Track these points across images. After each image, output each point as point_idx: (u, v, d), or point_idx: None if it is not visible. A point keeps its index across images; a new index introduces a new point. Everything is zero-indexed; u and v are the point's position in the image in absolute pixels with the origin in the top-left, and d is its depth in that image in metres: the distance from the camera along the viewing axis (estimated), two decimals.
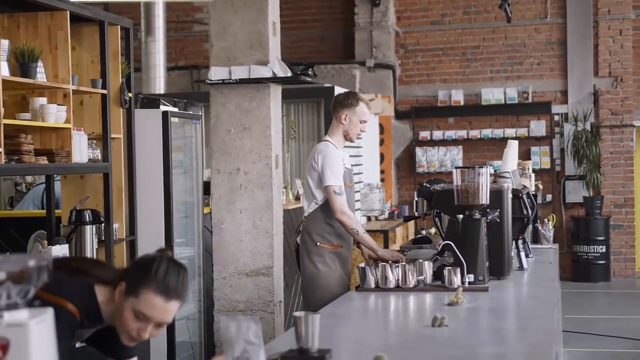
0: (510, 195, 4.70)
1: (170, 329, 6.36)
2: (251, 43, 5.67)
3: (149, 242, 6.22)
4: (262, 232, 5.70)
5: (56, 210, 5.77)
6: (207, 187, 6.50)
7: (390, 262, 4.77)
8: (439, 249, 4.43)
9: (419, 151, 12.90)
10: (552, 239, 6.47)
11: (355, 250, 5.51)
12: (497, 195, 4.55)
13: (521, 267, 4.97)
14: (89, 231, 5.45)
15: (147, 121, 6.24)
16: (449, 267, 4.24)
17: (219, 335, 5.65)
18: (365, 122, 5.33)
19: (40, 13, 5.16)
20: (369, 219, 10.29)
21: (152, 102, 6.64)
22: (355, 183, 10.09)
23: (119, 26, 5.88)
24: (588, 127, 12.38)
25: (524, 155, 12.32)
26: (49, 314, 1.78)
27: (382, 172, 12.27)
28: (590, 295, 11.52)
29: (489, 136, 12.68)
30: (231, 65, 5.67)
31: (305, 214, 5.35)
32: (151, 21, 11.16)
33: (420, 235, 6.47)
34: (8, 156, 4.69)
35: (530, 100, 12.68)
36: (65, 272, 2.72)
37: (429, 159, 12.89)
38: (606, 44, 12.58)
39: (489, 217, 4.49)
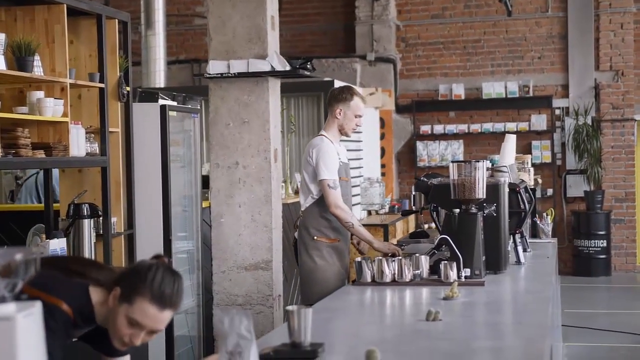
0: (506, 190, 4.70)
1: (169, 323, 6.37)
2: (250, 37, 5.67)
3: (147, 236, 6.23)
4: (261, 226, 5.70)
5: (54, 204, 5.77)
6: (206, 181, 6.50)
7: (386, 255, 4.79)
8: (436, 243, 4.43)
9: (419, 145, 12.89)
10: (550, 233, 6.46)
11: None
12: (493, 189, 4.55)
13: (518, 262, 4.97)
14: (87, 225, 5.45)
15: (145, 115, 6.24)
16: (445, 262, 4.24)
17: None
18: (360, 116, 5.32)
19: (37, 6, 5.15)
20: (369, 213, 10.29)
21: (150, 95, 6.64)
22: (356, 177, 10.12)
23: (116, 20, 5.87)
24: (589, 121, 12.36)
25: (525, 149, 12.32)
26: (36, 307, 1.78)
27: (382, 166, 12.26)
28: (591, 290, 11.52)
29: (490, 130, 12.67)
30: (230, 59, 5.67)
31: (302, 209, 5.37)
32: (151, 15, 11.13)
33: (417, 230, 6.47)
34: (5, 150, 4.69)
35: (531, 94, 12.67)
36: (62, 272, 2.73)
37: (429, 153, 12.88)
38: (607, 38, 12.56)
39: (486, 212, 4.48)
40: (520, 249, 5.03)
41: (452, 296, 3.79)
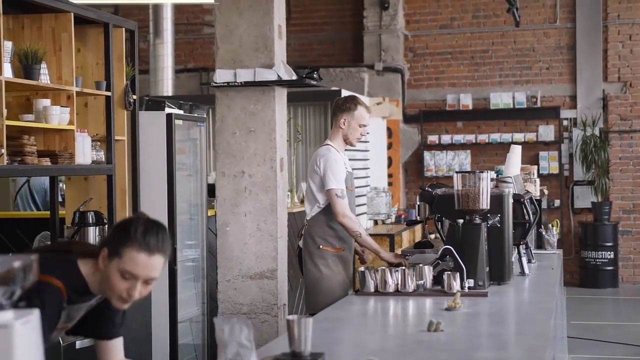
0: (511, 200, 4.69)
1: (173, 331, 6.38)
2: (257, 46, 5.68)
3: None
4: (267, 235, 5.70)
5: (60, 212, 5.79)
6: (212, 190, 6.52)
7: (392, 265, 4.80)
8: (439, 254, 4.43)
9: (427, 155, 12.88)
10: (556, 244, 6.45)
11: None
12: (497, 200, 4.54)
13: (523, 273, 4.96)
14: (92, 233, 5.47)
15: (152, 123, 6.26)
16: (449, 272, 4.23)
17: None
18: (364, 126, 5.34)
19: (44, 15, 5.18)
20: (375, 222, 10.29)
21: (157, 104, 6.66)
22: (362, 187, 10.12)
23: (123, 28, 5.89)
24: (597, 132, 12.34)
25: (532, 160, 12.30)
26: (34, 315, 1.79)
27: (390, 176, 12.26)
28: (598, 302, 11.47)
29: (497, 141, 12.66)
30: (237, 68, 5.68)
31: (308, 217, 5.38)
32: (160, 23, 11.18)
33: (422, 240, 6.46)
34: (11, 157, 4.71)
35: (539, 104, 12.66)
36: (49, 254, 2.80)
37: (437, 163, 12.87)
38: (615, 49, 12.55)
39: (490, 222, 4.48)
40: (524, 259, 5.02)
41: (455, 307, 3.79)
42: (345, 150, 5.50)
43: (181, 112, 6.98)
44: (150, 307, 5.89)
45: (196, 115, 7.23)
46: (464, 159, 12.79)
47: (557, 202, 12.51)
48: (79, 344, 4.68)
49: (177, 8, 12.33)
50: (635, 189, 12.52)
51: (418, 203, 5.18)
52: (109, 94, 5.61)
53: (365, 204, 10.02)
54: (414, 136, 13.01)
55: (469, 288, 4.25)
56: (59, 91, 5.17)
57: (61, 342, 4.57)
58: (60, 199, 5.95)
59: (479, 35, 12.98)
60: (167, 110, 6.57)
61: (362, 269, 4.37)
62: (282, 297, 5.79)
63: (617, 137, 12.53)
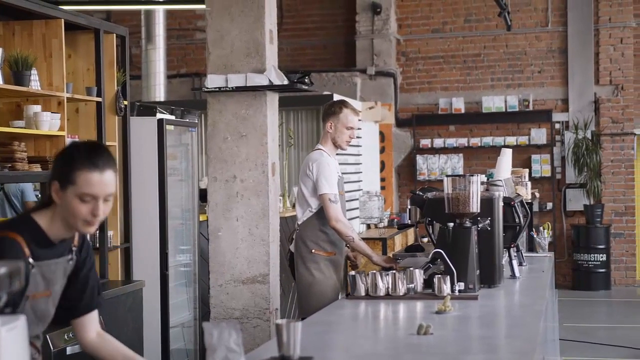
0: (501, 204, 4.70)
1: (165, 336, 6.38)
2: (248, 51, 5.68)
3: (144, 249, 6.24)
4: (259, 240, 5.70)
5: None
6: (204, 195, 6.52)
7: (384, 269, 4.82)
8: (430, 257, 4.44)
9: (419, 159, 12.90)
10: (547, 247, 6.46)
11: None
12: (488, 203, 4.55)
13: (513, 276, 4.97)
14: None
15: (143, 129, 6.27)
16: (439, 275, 4.24)
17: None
18: (351, 128, 5.38)
19: (35, 21, 5.19)
20: (368, 226, 10.30)
21: (148, 109, 6.65)
22: (355, 191, 10.13)
23: (114, 34, 5.90)
24: (589, 135, 12.37)
25: (525, 163, 12.33)
26: (20, 320, 1.80)
27: (382, 179, 12.27)
28: (591, 304, 11.50)
29: (489, 144, 12.69)
30: (228, 73, 5.68)
31: (299, 222, 5.39)
32: (152, 29, 11.18)
33: (414, 243, 6.47)
34: (1, 163, 4.71)
35: (531, 108, 12.69)
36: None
37: (429, 166, 12.89)
38: (607, 52, 12.59)
39: (480, 225, 4.49)
40: (515, 262, 5.03)
41: (445, 310, 3.80)
42: (337, 154, 5.53)
43: (173, 117, 6.98)
44: (142, 312, 5.89)
45: (187, 120, 7.24)
46: (456, 163, 12.82)
47: (549, 205, 12.54)
48: (69, 349, 4.67)
49: (170, 14, 12.34)
50: (627, 192, 12.56)
51: (409, 207, 5.20)
52: (99, 99, 5.61)
53: (357, 208, 10.03)
54: (407, 140, 13.03)
55: (460, 291, 4.26)
56: (50, 97, 5.18)
57: (51, 348, 4.57)
58: None
59: (471, 39, 13.01)
60: (159, 115, 6.57)
61: (352, 272, 4.38)
62: (275, 301, 5.80)
63: (609, 139, 12.57)
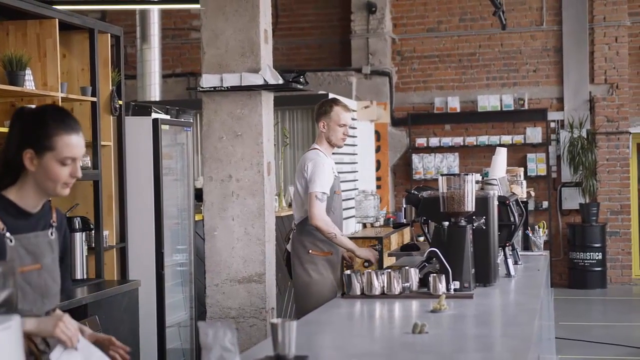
0: (496, 203, 4.71)
1: (161, 335, 6.38)
2: (243, 50, 5.68)
3: (140, 249, 6.24)
4: (254, 239, 5.70)
5: None
6: (200, 194, 6.52)
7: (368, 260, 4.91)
8: (425, 256, 4.44)
9: (415, 158, 12.91)
10: (542, 245, 6.47)
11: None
12: (483, 202, 4.56)
13: (508, 274, 4.97)
14: (79, 238, 5.46)
15: (138, 128, 6.27)
16: (434, 274, 4.25)
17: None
18: (344, 125, 5.39)
19: (29, 21, 5.18)
20: (364, 225, 10.30)
21: (143, 109, 6.65)
22: (351, 190, 10.14)
23: (109, 34, 5.90)
24: (584, 134, 12.39)
25: (520, 162, 12.35)
26: (14, 321, 1.80)
27: (378, 179, 12.28)
28: (587, 303, 11.51)
29: (485, 143, 12.70)
30: (223, 73, 5.68)
31: (296, 222, 5.40)
32: (147, 28, 11.18)
33: (410, 242, 6.48)
34: None
35: (526, 107, 12.70)
36: None
37: (425, 165, 12.90)
38: (602, 51, 12.61)
39: (475, 224, 4.49)
40: (510, 261, 5.03)
41: (440, 309, 3.80)
42: (333, 153, 5.53)
43: (168, 117, 6.98)
44: (138, 311, 5.89)
45: (183, 120, 7.23)
46: (452, 162, 12.82)
47: (545, 204, 12.55)
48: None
49: (165, 13, 12.33)
50: (622, 190, 12.58)
51: (404, 206, 5.21)
52: (94, 99, 5.61)
53: (353, 207, 10.04)
54: (402, 139, 13.04)
55: (455, 290, 4.26)
56: (45, 97, 5.17)
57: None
58: None
59: (466, 38, 13.02)
60: (154, 115, 6.57)
61: (348, 272, 4.39)
62: (270, 300, 5.80)
63: (604, 138, 12.58)
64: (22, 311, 2.61)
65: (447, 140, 12.83)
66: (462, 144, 12.78)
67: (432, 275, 4.25)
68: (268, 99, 5.82)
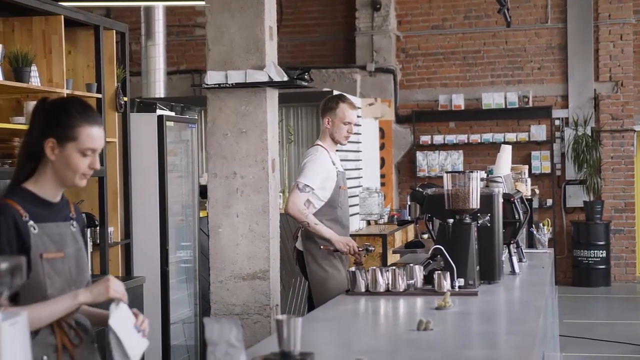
0: (500, 200, 4.71)
1: (165, 332, 6.39)
2: (248, 47, 5.68)
3: (144, 245, 6.25)
4: (259, 236, 5.70)
5: None
6: (204, 191, 6.53)
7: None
8: (430, 254, 4.44)
9: (419, 155, 12.91)
10: (547, 243, 6.47)
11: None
12: (487, 199, 4.56)
13: (513, 272, 4.97)
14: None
15: (143, 125, 6.27)
16: (439, 272, 4.25)
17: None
18: (349, 123, 5.38)
19: (34, 17, 5.19)
20: (368, 223, 10.31)
21: (148, 106, 6.66)
22: (355, 187, 10.13)
23: (114, 30, 5.90)
24: (588, 132, 12.38)
25: (525, 159, 12.34)
26: (22, 316, 1.80)
27: (382, 176, 12.28)
28: (591, 300, 11.51)
29: (489, 140, 12.69)
30: (228, 70, 5.68)
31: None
32: (151, 25, 11.18)
33: (414, 240, 6.48)
34: (1, 160, 4.72)
35: (530, 104, 12.69)
36: None
37: (429, 163, 12.90)
38: (607, 49, 12.59)
39: (480, 222, 4.49)
40: (515, 259, 5.03)
41: (445, 306, 3.80)
42: (337, 150, 5.53)
43: (173, 114, 6.98)
44: (142, 308, 5.90)
45: (187, 117, 7.24)
46: (456, 159, 12.82)
47: (549, 202, 12.55)
48: None
49: (169, 10, 12.34)
50: (626, 188, 12.57)
51: (409, 203, 5.21)
52: (99, 96, 5.62)
53: (357, 204, 10.04)
54: (407, 136, 13.03)
55: (459, 287, 4.27)
56: (50, 94, 5.18)
57: None
58: None
59: (470, 36, 13.01)
60: (159, 112, 6.58)
61: (352, 268, 4.39)
62: (275, 297, 5.80)
63: (609, 136, 12.57)
64: (51, 296, 2.71)
65: (452, 138, 12.83)
66: (466, 141, 12.77)
67: (436, 272, 4.25)
68: (273, 96, 5.82)
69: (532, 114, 12.70)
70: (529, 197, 6.41)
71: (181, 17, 13.66)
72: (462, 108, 12.86)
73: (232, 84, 5.62)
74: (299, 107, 10.35)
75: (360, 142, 10.57)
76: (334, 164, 5.33)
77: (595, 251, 12.16)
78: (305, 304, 7.80)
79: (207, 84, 5.69)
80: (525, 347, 3.07)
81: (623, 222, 12.58)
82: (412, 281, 4.29)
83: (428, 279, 4.34)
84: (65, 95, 5.24)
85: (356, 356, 2.72)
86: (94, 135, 2.78)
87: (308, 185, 5.21)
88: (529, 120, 12.71)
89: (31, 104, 5.05)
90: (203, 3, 5.67)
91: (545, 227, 6.55)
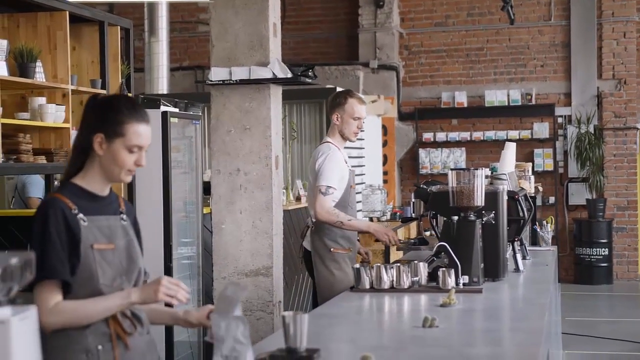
0: (505, 197, 4.71)
1: (169, 328, 6.39)
2: (252, 44, 5.68)
3: (148, 241, 6.21)
4: (262, 233, 5.70)
5: None
6: (208, 188, 6.53)
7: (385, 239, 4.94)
8: (434, 251, 4.44)
9: (422, 153, 12.91)
10: (550, 241, 6.47)
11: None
12: (492, 197, 4.56)
13: (517, 269, 4.98)
14: None
15: None
16: (444, 269, 4.25)
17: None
18: (358, 118, 5.33)
19: (39, 13, 5.20)
20: (370, 220, 10.29)
21: (152, 102, 6.65)
22: (358, 184, 10.12)
23: (118, 27, 5.91)
24: (591, 130, 12.38)
25: (527, 157, 12.34)
26: (31, 311, 1.80)
27: (385, 173, 12.28)
28: (593, 298, 11.51)
29: (492, 138, 12.69)
30: (232, 66, 5.68)
31: (313, 219, 5.34)
32: (155, 21, 11.18)
33: (418, 237, 6.48)
34: (6, 155, 4.72)
35: (533, 102, 12.69)
36: None
37: (432, 160, 12.90)
38: (610, 47, 12.59)
39: (484, 219, 4.49)
40: (519, 256, 5.03)
41: (449, 303, 3.81)
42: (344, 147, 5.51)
43: (176, 110, 6.98)
44: None
45: (191, 113, 7.23)
46: (459, 157, 12.82)
47: (552, 199, 12.54)
48: None
49: (173, 6, 12.34)
50: (629, 186, 12.57)
51: (413, 200, 5.20)
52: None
53: (360, 202, 10.03)
54: (409, 134, 13.04)
55: (464, 284, 4.27)
56: (55, 89, 5.19)
57: None
58: None
59: (473, 33, 13.00)
60: (162, 108, 6.57)
61: (357, 265, 4.39)
62: (278, 294, 5.80)
63: (612, 134, 12.57)
64: (103, 286, 2.78)
65: (454, 135, 12.83)
66: (469, 139, 12.77)
67: (441, 269, 4.25)
68: (276, 92, 5.82)
69: (535, 112, 12.70)
70: (533, 195, 6.40)
71: (184, 13, 13.66)
72: (465, 105, 12.86)
73: (236, 80, 5.62)
74: (302, 103, 10.35)
75: (363, 139, 10.56)
76: (345, 162, 5.30)
77: (598, 249, 12.16)
78: (309, 301, 7.81)
79: (211, 81, 5.69)
80: (530, 345, 3.07)
81: (625, 220, 12.58)
82: (417, 278, 4.29)
83: (432, 276, 4.34)
84: (70, 91, 5.25)
85: (362, 353, 2.72)
86: (141, 132, 2.82)
87: (330, 187, 5.16)
88: (532, 118, 12.71)
89: (36, 100, 5.06)
90: (207, 0, 5.67)
91: (549, 224, 6.55)
